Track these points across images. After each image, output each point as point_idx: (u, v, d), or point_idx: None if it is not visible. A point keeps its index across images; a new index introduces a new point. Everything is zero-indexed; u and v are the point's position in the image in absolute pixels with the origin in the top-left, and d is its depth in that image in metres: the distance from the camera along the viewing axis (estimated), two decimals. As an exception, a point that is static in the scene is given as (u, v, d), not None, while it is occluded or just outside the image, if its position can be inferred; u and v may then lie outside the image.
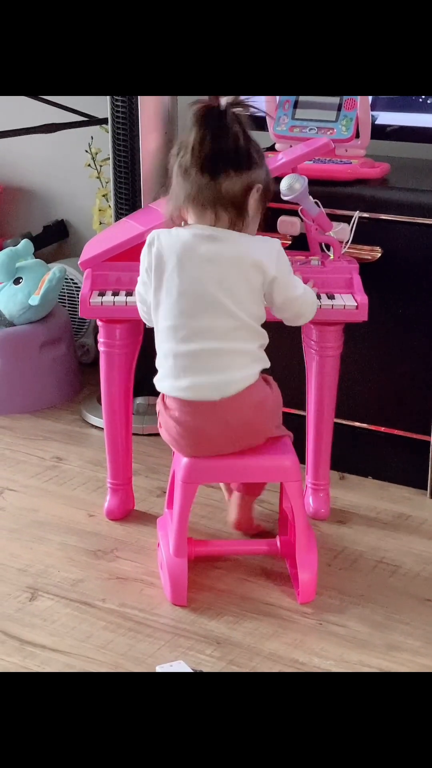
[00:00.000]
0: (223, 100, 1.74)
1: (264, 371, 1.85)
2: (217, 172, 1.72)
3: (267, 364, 1.85)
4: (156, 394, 1.89)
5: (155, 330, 1.83)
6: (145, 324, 1.92)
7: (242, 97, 1.75)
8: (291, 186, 1.95)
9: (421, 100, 2.29)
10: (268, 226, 2.15)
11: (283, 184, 1.96)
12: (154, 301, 1.80)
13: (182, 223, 1.80)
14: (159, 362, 1.83)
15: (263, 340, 1.83)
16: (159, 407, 1.87)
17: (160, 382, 1.83)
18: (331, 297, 2.00)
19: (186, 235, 1.76)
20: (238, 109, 1.74)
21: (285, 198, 1.97)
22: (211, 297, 1.75)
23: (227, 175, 1.72)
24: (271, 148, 2.38)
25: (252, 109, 1.77)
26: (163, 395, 1.84)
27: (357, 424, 2.28)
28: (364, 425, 2.28)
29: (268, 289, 1.79)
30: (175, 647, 1.74)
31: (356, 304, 1.98)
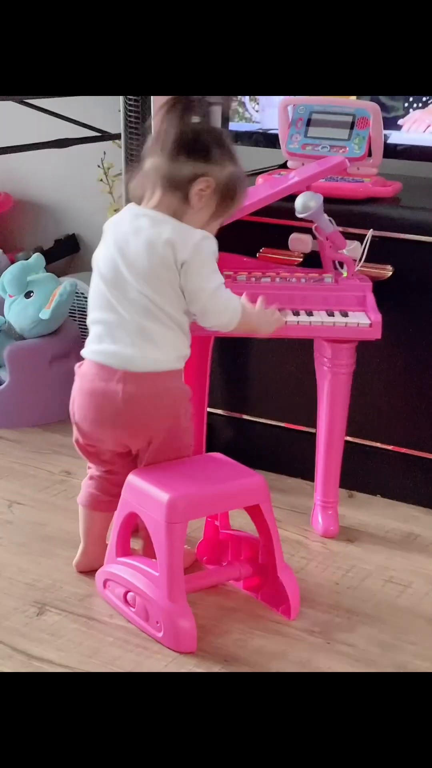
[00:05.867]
0: (195, 97, 1.79)
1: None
2: (170, 153, 1.77)
3: (184, 354, 1.82)
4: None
5: None
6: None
7: (212, 98, 1.82)
8: (306, 204, 1.96)
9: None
10: (279, 243, 2.17)
11: (298, 202, 1.97)
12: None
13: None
14: (89, 330, 1.87)
15: (178, 329, 1.80)
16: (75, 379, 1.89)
17: (84, 348, 1.87)
18: (344, 315, 2.00)
19: (125, 212, 1.84)
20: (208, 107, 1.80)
21: (300, 216, 1.97)
22: (121, 270, 1.79)
23: (177, 159, 1.76)
24: (284, 166, 2.39)
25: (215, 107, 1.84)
26: (80, 365, 1.88)
27: (367, 442, 2.28)
28: (374, 443, 2.28)
29: (182, 277, 1.78)
30: (183, 665, 1.73)
31: (370, 322, 1.98)
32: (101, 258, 1.84)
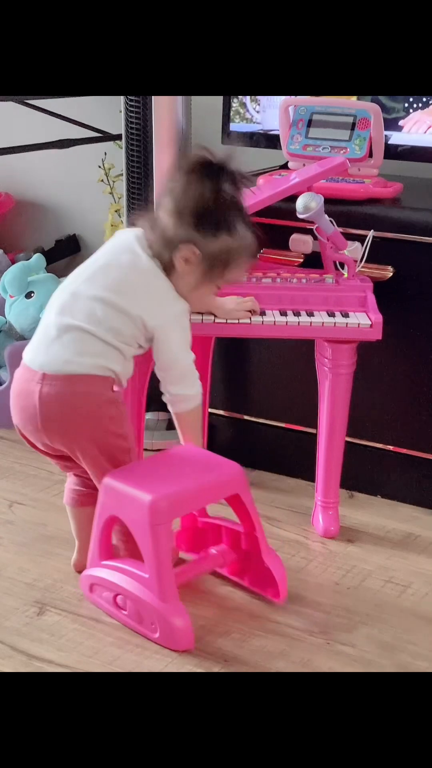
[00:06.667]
0: (219, 159, 1.78)
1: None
2: (172, 213, 1.78)
3: (112, 369, 1.80)
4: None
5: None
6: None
7: (239, 171, 1.80)
8: (307, 205, 1.96)
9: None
10: (280, 244, 2.17)
11: (299, 203, 1.97)
12: None
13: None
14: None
15: (115, 349, 1.80)
16: None
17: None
18: (345, 315, 2.00)
19: (132, 239, 1.84)
20: (231, 178, 1.78)
21: (301, 216, 1.98)
22: (91, 281, 1.81)
23: (177, 220, 1.78)
24: (285, 166, 2.39)
25: (246, 185, 1.82)
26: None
27: (367, 442, 2.28)
28: (374, 444, 2.28)
29: (154, 336, 1.82)
30: (183, 664, 1.73)
31: (370, 322, 1.98)
32: (88, 261, 1.87)
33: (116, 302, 1.79)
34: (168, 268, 1.81)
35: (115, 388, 1.83)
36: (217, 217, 1.77)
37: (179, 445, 1.92)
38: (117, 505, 1.78)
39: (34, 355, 1.83)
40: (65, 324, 1.80)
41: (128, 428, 1.86)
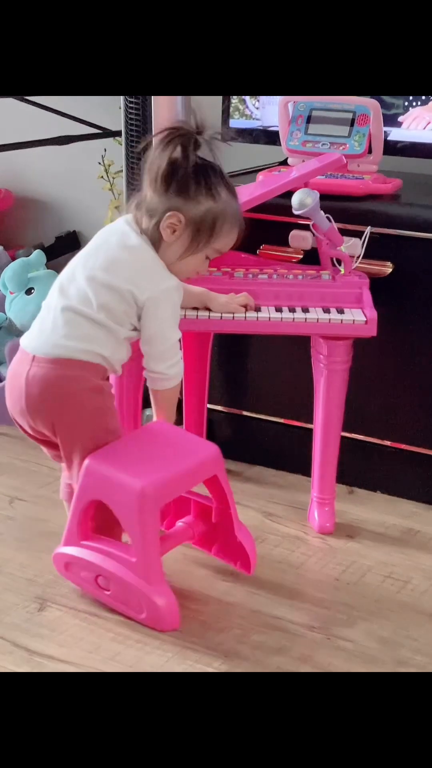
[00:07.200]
0: (191, 127, 1.80)
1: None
2: (152, 185, 1.81)
3: (100, 353, 1.82)
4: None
5: None
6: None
7: (214, 134, 1.82)
8: (302, 201, 1.96)
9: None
10: (279, 240, 2.17)
11: (295, 199, 1.97)
12: None
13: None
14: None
15: (106, 331, 1.81)
16: None
17: None
18: (340, 311, 2.00)
19: (122, 222, 1.87)
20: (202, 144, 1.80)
21: (296, 213, 1.98)
22: (86, 264, 1.84)
23: (158, 191, 1.80)
24: (284, 163, 2.40)
25: (220, 149, 1.83)
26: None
27: (367, 438, 2.28)
28: (374, 439, 2.28)
29: (143, 312, 1.82)
30: (183, 660, 1.74)
31: (365, 319, 1.98)
32: (85, 247, 1.90)
33: (105, 279, 1.81)
34: (157, 244, 1.83)
35: (110, 375, 1.85)
36: (194, 179, 1.79)
37: (153, 422, 1.94)
38: (101, 488, 1.79)
39: (30, 338, 1.86)
40: (60, 306, 1.82)
41: (113, 423, 1.87)
